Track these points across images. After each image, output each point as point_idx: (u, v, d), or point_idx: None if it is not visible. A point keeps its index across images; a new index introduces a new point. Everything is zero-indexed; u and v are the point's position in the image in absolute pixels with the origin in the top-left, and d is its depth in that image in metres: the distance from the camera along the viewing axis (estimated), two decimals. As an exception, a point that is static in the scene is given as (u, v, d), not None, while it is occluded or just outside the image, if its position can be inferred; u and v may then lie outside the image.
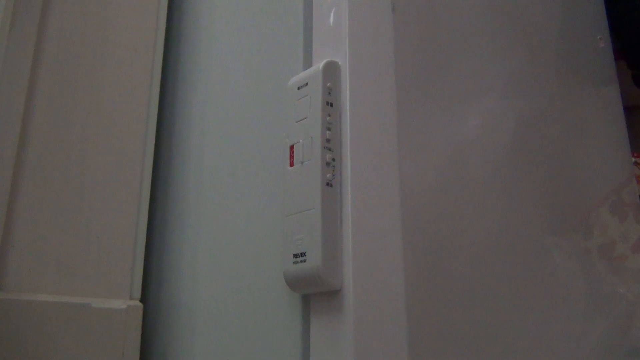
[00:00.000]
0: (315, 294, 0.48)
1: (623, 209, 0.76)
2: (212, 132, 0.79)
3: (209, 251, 0.73)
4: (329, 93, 0.49)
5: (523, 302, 0.61)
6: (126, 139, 0.77)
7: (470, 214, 0.58)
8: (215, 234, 0.73)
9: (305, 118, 0.49)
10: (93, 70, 0.77)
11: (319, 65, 0.50)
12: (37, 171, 0.68)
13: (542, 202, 0.68)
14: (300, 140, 0.49)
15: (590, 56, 0.84)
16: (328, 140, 0.48)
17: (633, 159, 0.85)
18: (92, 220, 0.71)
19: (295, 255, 0.47)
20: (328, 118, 0.48)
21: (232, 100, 0.77)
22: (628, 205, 0.76)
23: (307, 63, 0.58)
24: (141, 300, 0.72)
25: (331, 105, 0.49)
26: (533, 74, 0.74)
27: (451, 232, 0.56)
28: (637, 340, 0.71)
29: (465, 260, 0.56)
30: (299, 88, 0.51)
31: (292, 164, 0.50)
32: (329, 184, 0.47)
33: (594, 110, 0.81)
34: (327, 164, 0.47)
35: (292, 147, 0.50)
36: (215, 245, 0.72)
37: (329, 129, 0.48)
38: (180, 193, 0.81)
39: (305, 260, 0.46)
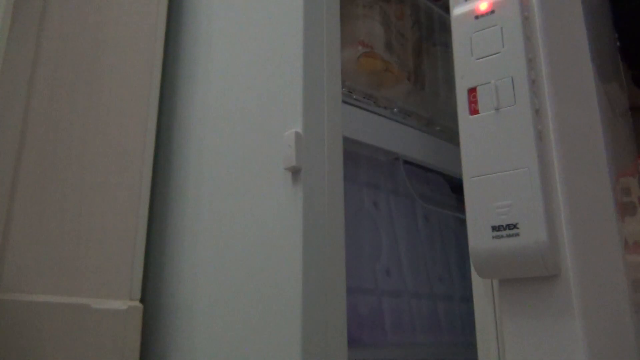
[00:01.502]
0: (512, 281, 0.38)
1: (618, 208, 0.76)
2: (212, 132, 0.79)
3: (208, 252, 0.73)
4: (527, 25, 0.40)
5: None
6: (126, 139, 0.77)
7: None
8: (215, 235, 0.73)
9: (497, 53, 0.39)
10: (93, 70, 0.77)
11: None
12: (36, 171, 0.68)
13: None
14: (492, 81, 0.39)
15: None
16: (534, 82, 0.38)
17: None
18: (92, 221, 0.71)
19: (496, 228, 0.37)
20: (529, 55, 0.39)
21: (232, 100, 0.77)
22: (622, 205, 0.76)
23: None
24: (141, 301, 0.72)
25: (529, 40, 0.40)
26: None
27: None
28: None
29: None
30: (477, 17, 0.41)
31: (475, 111, 0.40)
32: (540, 138, 0.37)
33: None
34: (537, 111, 0.38)
35: (473, 91, 0.40)
36: (215, 246, 0.72)
37: (532, 68, 0.39)
38: (180, 194, 0.81)
39: (517, 234, 0.36)
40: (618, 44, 0.83)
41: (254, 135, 0.71)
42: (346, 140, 0.70)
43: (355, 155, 0.81)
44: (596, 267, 0.37)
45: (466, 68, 0.41)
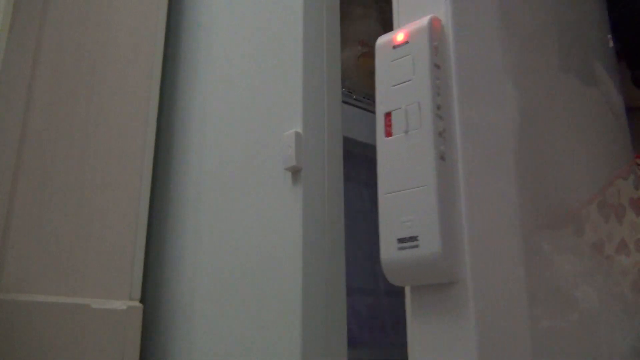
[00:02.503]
0: (419, 287, 0.42)
1: (607, 209, 0.76)
2: (212, 132, 0.79)
3: (208, 252, 0.73)
4: (436, 54, 0.44)
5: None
6: (126, 139, 0.78)
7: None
8: (215, 235, 0.73)
9: (408, 81, 0.43)
10: (93, 70, 0.77)
11: (423, 20, 0.44)
12: (36, 172, 0.69)
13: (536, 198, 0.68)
14: (403, 107, 0.43)
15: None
16: (439, 107, 0.42)
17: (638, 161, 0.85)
18: (92, 221, 0.72)
19: (401, 240, 0.41)
20: (437, 82, 0.42)
21: (232, 100, 0.77)
22: (611, 206, 0.76)
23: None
24: (141, 301, 0.72)
25: (438, 67, 0.43)
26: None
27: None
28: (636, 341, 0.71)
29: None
30: (394, 47, 0.45)
31: (389, 134, 0.43)
32: (442, 158, 0.41)
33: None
34: (440, 133, 0.41)
35: (388, 115, 0.44)
36: (215, 246, 0.72)
37: (438, 94, 0.42)
38: (180, 194, 0.81)
39: (417, 246, 0.40)
40: (611, 45, 0.83)
41: (254, 135, 0.71)
42: (346, 140, 0.70)
43: (356, 155, 0.81)
44: (494, 275, 0.41)
45: (384, 94, 0.45)
